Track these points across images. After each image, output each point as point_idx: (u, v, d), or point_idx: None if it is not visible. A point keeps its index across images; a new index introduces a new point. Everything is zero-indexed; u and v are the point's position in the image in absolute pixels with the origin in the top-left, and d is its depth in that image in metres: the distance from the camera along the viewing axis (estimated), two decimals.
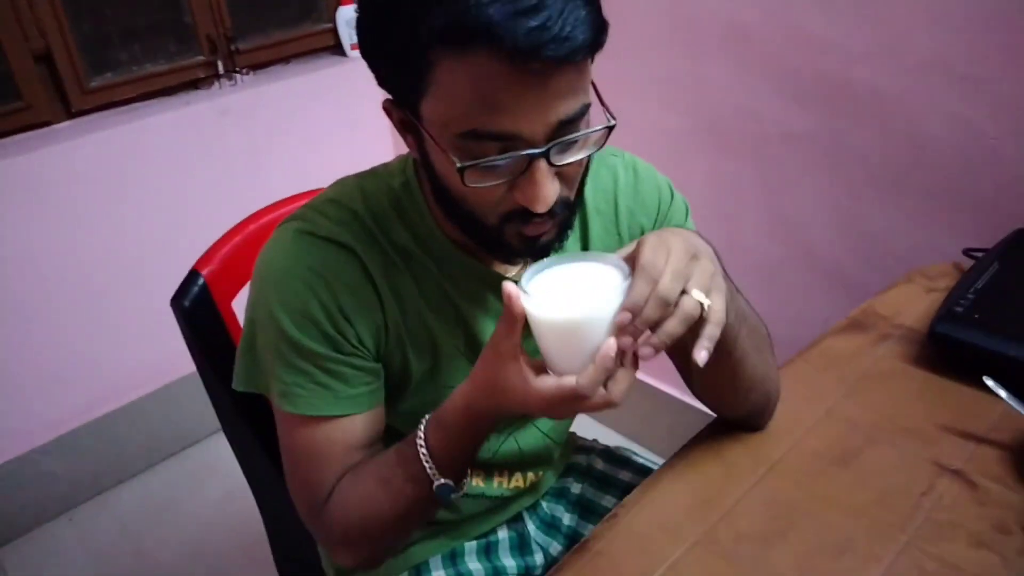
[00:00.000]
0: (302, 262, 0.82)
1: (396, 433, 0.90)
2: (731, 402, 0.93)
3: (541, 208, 0.72)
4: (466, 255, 0.88)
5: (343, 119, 2.37)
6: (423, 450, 0.81)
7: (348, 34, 2.33)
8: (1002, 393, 0.90)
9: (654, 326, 0.69)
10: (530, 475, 1.06)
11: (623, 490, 1.14)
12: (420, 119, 0.72)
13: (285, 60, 2.30)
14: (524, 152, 0.69)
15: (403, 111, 0.75)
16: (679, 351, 0.88)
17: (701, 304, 0.70)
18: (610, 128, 0.73)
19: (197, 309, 1.11)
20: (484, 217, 0.76)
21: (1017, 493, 0.85)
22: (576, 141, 0.72)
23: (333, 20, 2.33)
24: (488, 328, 0.91)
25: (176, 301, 1.10)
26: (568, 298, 0.71)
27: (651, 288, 0.69)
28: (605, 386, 0.71)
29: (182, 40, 2.11)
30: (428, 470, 0.81)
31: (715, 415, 0.99)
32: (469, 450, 0.83)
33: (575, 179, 0.77)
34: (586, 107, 0.71)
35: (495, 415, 0.79)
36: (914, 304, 1.18)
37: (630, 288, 0.69)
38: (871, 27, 1.33)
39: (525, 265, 0.93)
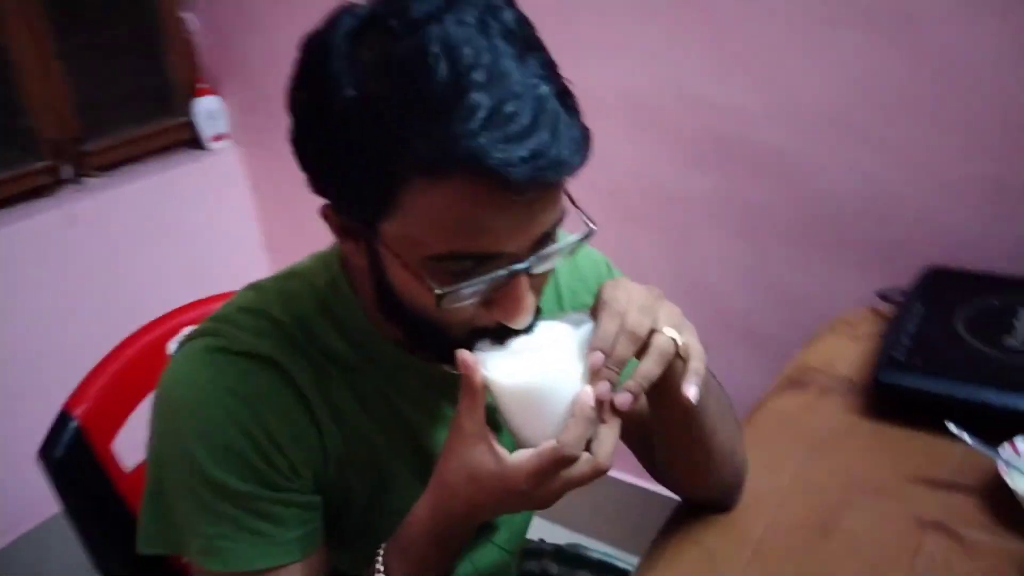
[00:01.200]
0: (218, 385, 0.70)
1: None
2: (702, 481, 0.85)
3: (524, 323, 0.64)
4: (410, 357, 0.77)
5: (207, 217, 2.21)
6: None
7: (207, 125, 2.19)
8: (966, 438, 0.88)
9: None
10: None
11: None
12: (378, 236, 0.63)
13: (139, 159, 2.13)
14: (509, 269, 0.61)
15: (351, 222, 0.66)
16: (635, 430, 0.81)
17: (674, 341, 0.65)
18: (589, 234, 0.67)
19: (71, 459, 0.94)
20: (449, 332, 0.66)
21: (1004, 539, 0.83)
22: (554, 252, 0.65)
23: (187, 112, 2.18)
24: (442, 439, 0.79)
25: (45, 452, 0.93)
26: (533, 355, 0.64)
27: (618, 324, 0.63)
28: (589, 449, 0.63)
29: (21, 146, 1.91)
30: None
31: (679, 498, 0.92)
32: (440, 570, 0.72)
33: (544, 285, 0.70)
34: (564, 214, 0.65)
35: (467, 522, 0.70)
36: (845, 354, 1.17)
37: (596, 327, 0.63)
38: (764, 88, 1.36)
39: None
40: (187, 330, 0.80)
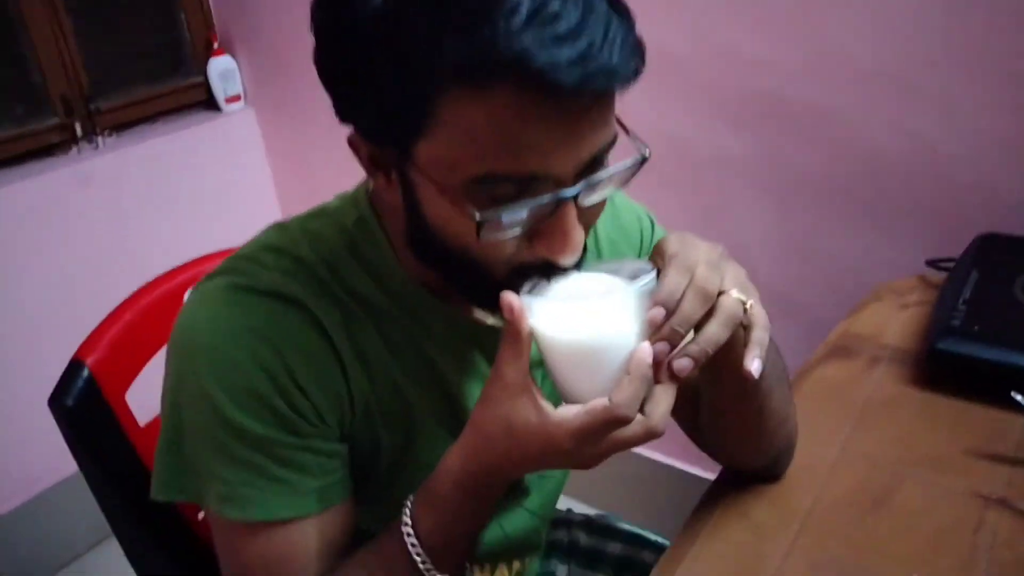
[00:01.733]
0: (240, 324, 0.65)
1: (363, 534, 0.72)
2: (755, 447, 0.80)
3: (571, 259, 0.59)
4: (441, 302, 0.72)
5: (221, 180, 2.16)
6: (411, 540, 0.65)
7: (222, 87, 2.13)
8: None
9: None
10: (516, 564, 0.90)
11: (615, 565, 0.99)
12: (411, 162, 0.57)
13: (152, 119, 2.07)
14: (555, 195, 0.55)
15: (381, 149, 0.60)
16: (682, 391, 0.76)
17: (743, 304, 0.59)
18: (643, 160, 0.61)
19: (83, 408, 0.89)
20: (489, 270, 0.61)
21: None
22: (605, 178, 0.59)
23: (204, 73, 2.13)
24: (473, 391, 0.76)
25: (56, 400, 0.88)
26: (587, 307, 0.57)
27: (687, 280, 0.57)
28: (642, 410, 0.57)
29: (31, 102, 1.86)
30: (420, 564, 0.65)
31: (721, 465, 0.87)
32: (469, 533, 0.68)
33: (595, 222, 0.64)
34: (615, 138, 0.59)
35: (502, 476, 0.65)
36: (892, 322, 1.11)
37: (661, 280, 0.57)
38: (804, 41, 1.29)
39: None
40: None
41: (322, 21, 0.58)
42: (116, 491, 0.90)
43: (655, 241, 0.87)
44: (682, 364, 0.57)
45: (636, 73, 0.54)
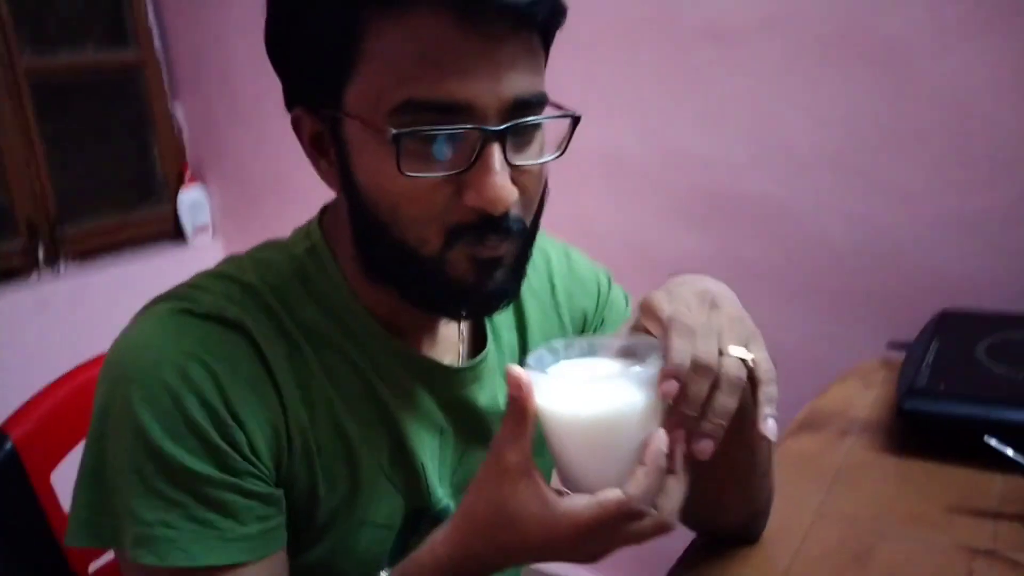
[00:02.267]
0: (174, 347, 0.61)
1: None
2: (741, 500, 0.74)
3: (497, 204, 0.57)
4: (393, 337, 0.69)
5: None
6: None
7: (191, 217, 2.16)
8: (1009, 452, 0.79)
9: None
10: None
11: None
12: (344, 114, 0.58)
13: (118, 247, 2.08)
14: (475, 126, 0.55)
15: (319, 116, 0.61)
16: None
17: (744, 361, 0.55)
18: (575, 120, 0.61)
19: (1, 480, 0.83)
20: (423, 242, 0.59)
21: None
22: (535, 134, 0.60)
23: (173, 203, 2.16)
24: (423, 438, 0.71)
25: None
26: (602, 383, 0.54)
27: (690, 344, 0.53)
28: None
29: None
30: None
31: (697, 533, 0.81)
32: None
33: (533, 197, 0.62)
34: (543, 99, 0.59)
35: (491, 567, 0.59)
36: (858, 399, 1.09)
37: (666, 351, 0.53)
38: (750, 137, 1.35)
39: (471, 346, 0.76)
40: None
41: (269, 8, 0.62)
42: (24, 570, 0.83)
43: (611, 298, 0.86)
44: (704, 447, 0.54)
45: (553, 13, 0.56)
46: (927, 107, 1.21)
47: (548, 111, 0.61)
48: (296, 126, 0.65)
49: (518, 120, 0.57)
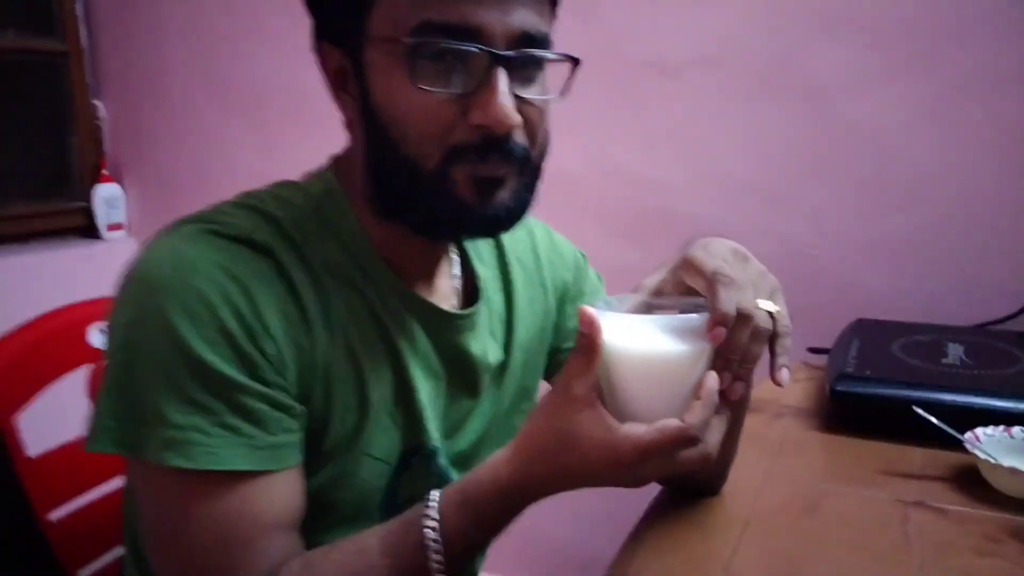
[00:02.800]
0: (211, 260, 0.63)
1: None
2: (726, 449, 0.80)
3: (499, 122, 0.62)
4: (398, 278, 0.73)
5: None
6: (433, 535, 0.62)
7: (105, 213, 2.09)
8: (931, 419, 0.91)
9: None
10: None
11: None
12: (365, 41, 0.64)
13: (28, 237, 1.98)
14: (484, 48, 0.61)
15: (344, 49, 0.67)
16: None
17: (769, 313, 0.62)
18: (575, 61, 0.68)
19: None
20: (426, 157, 0.64)
21: (982, 511, 0.83)
22: (538, 73, 0.67)
23: (88, 198, 2.08)
24: (418, 374, 0.74)
25: None
26: (664, 322, 0.60)
27: (735, 295, 0.60)
28: None
29: None
30: (432, 562, 0.62)
31: (664, 488, 0.87)
32: (488, 542, 0.67)
33: (535, 128, 0.68)
34: (547, 40, 0.66)
35: (550, 490, 0.63)
36: (786, 392, 1.19)
37: (714, 301, 0.59)
38: (686, 161, 1.47)
39: (462, 302, 0.80)
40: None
41: None
42: None
43: (588, 273, 0.93)
44: (737, 388, 0.62)
45: None
46: (846, 140, 1.36)
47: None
48: (321, 63, 0.70)
49: (524, 49, 0.63)
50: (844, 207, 1.38)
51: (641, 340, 0.60)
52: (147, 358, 0.61)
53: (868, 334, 1.20)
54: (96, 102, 2.11)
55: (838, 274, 1.39)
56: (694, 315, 0.60)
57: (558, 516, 1.66)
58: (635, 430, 0.59)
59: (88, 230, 2.11)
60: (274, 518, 0.63)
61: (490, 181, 0.66)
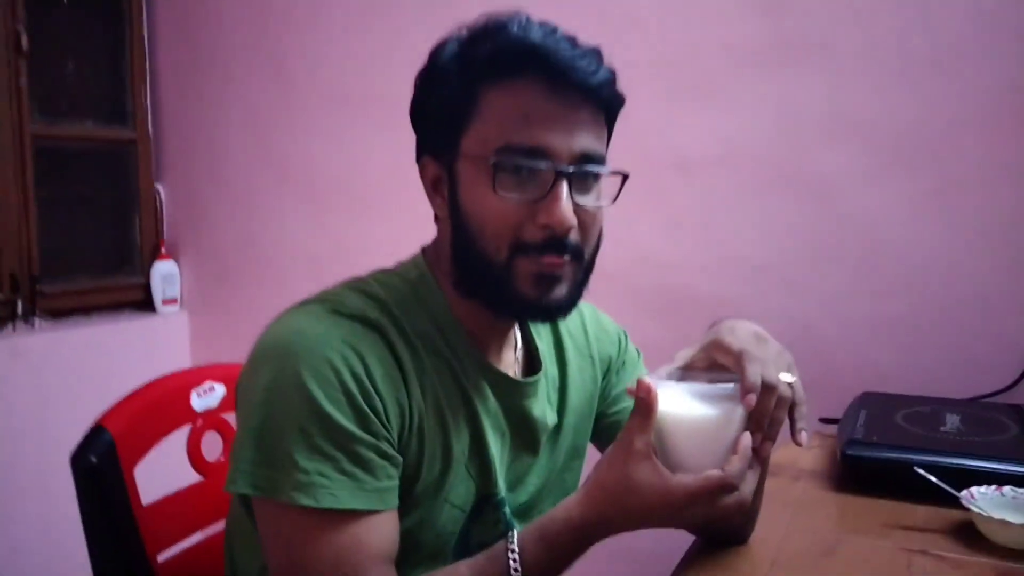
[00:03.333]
0: (334, 334, 0.77)
1: None
2: (754, 503, 0.93)
3: (561, 223, 0.77)
4: (478, 350, 0.87)
5: (142, 376, 2.18)
6: (515, 564, 0.75)
7: (161, 288, 2.25)
8: (932, 478, 1.03)
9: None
10: None
11: None
12: (458, 155, 0.80)
13: (90, 310, 2.14)
14: (552, 164, 0.77)
15: (440, 162, 0.83)
16: None
17: (789, 384, 0.77)
18: (625, 176, 0.84)
19: (100, 469, 0.93)
20: (497, 251, 0.79)
21: (977, 557, 0.94)
22: (594, 185, 0.82)
23: (147, 274, 2.25)
24: (491, 437, 0.87)
25: (78, 457, 0.92)
26: (707, 392, 0.74)
27: (762, 368, 0.75)
28: None
29: None
30: None
31: (697, 537, 0.99)
32: (559, 571, 0.78)
33: (589, 231, 0.82)
34: (603, 158, 0.82)
35: (612, 528, 0.76)
36: (802, 458, 1.31)
37: (744, 375, 0.74)
38: (706, 246, 1.63)
39: (524, 371, 0.93)
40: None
41: (418, 74, 0.85)
42: (113, 548, 0.93)
43: (629, 348, 1.07)
44: (766, 447, 0.76)
45: (614, 95, 0.81)
46: (850, 230, 1.53)
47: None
48: (422, 172, 0.86)
49: (583, 166, 0.79)
50: (849, 290, 1.53)
51: (687, 405, 0.73)
52: (284, 413, 0.74)
53: (874, 405, 1.33)
54: (157, 185, 2.29)
55: (845, 351, 1.53)
56: (728, 384, 0.74)
57: (609, 557, 1.76)
58: (685, 479, 0.72)
59: (145, 304, 2.26)
60: (379, 551, 0.75)
61: (548, 277, 0.80)
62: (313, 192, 2.09)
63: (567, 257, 0.80)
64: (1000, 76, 1.44)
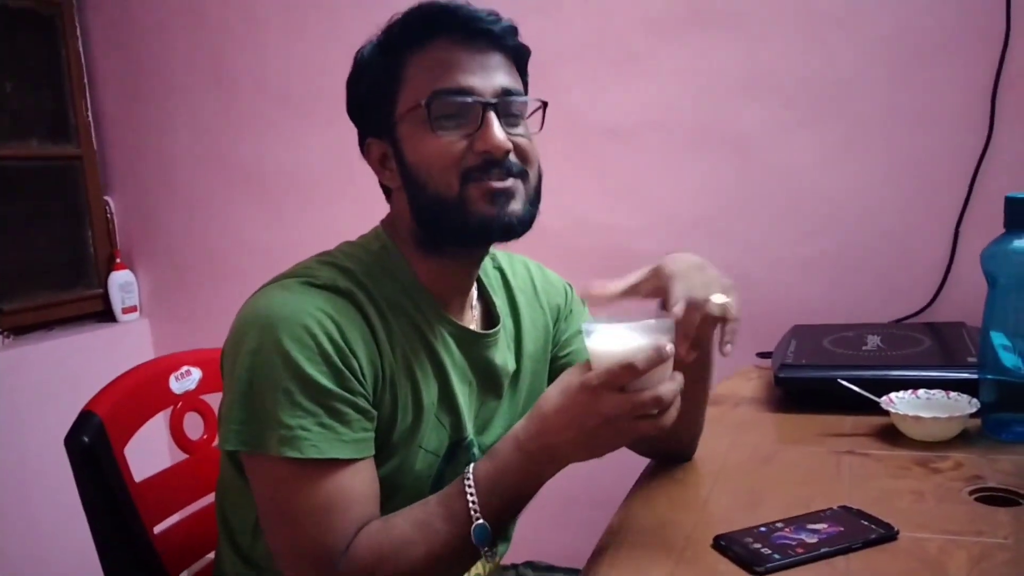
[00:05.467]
0: (310, 303, 0.85)
1: None
2: (694, 423, 1.04)
3: (498, 147, 0.86)
4: (442, 309, 0.95)
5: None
6: (469, 483, 0.81)
7: (120, 298, 2.29)
8: (855, 388, 1.15)
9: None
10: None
11: None
12: (397, 122, 0.89)
13: (49, 325, 2.17)
14: (477, 99, 0.87)
15: (383, 139, 0.92)
16: None
17: (721, 304, 0.85)
18: (544, 104, 0.94)
19: (93, 448, 1.00)
20: (448, 187, 0.87)
21: (899, 451, 1.06)
22: (519, 119, 0.91)
23: (104, 285, 2.28)
24: (459, 387, 0.95)
25: (71, 439, 0.99)
26: (635, 328, 0.78)
27: (688, 288, 0.85)
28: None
29: None
30: (470, 504, 0.80)
31: (648, 458, 1.10)
32: (515, 494, 0.83)
33: (529, 155, 0.91)
34: (522, 92, 0.92)
35: (551, 437, 0.80)
36: (742, 389, 1.43)
37: (670, 292, 0.85)
38: (641, 208, 1.73)
39: (483, 324, 1.02)
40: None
41: (348, 76, 0.94)
42: (115, 528, 0.99)
43: (574, 299, 1.16)
44: (692, 354, 0.84)
45: (517, 44, 0.92)
46: (770, 180, 1.65)
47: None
48: (368, 156, 0.95)
49: (505, 98, 0.89)
50: (776, 235, 1.65)
51: (619, 340, 0.78)
52: (266, 376, 0.82)
53: (804, 335, 1.45)
54: (107, 198, 2.32)
55: (776, 291, 1.65)
56: (653, 320, 0.80)
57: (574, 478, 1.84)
58: (597, 371, 0.77)
59: (105, 315, 2.30)
60: (361, 493, 0.83)
61: (500, 192, 0.87)
62: (263, 190, 2.15)
63: (513, 179, 0.88)
64: (894, 27, 1.57)
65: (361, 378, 0.85)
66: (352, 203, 1.02)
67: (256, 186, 2.15)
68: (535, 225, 1.67)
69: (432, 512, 0.83)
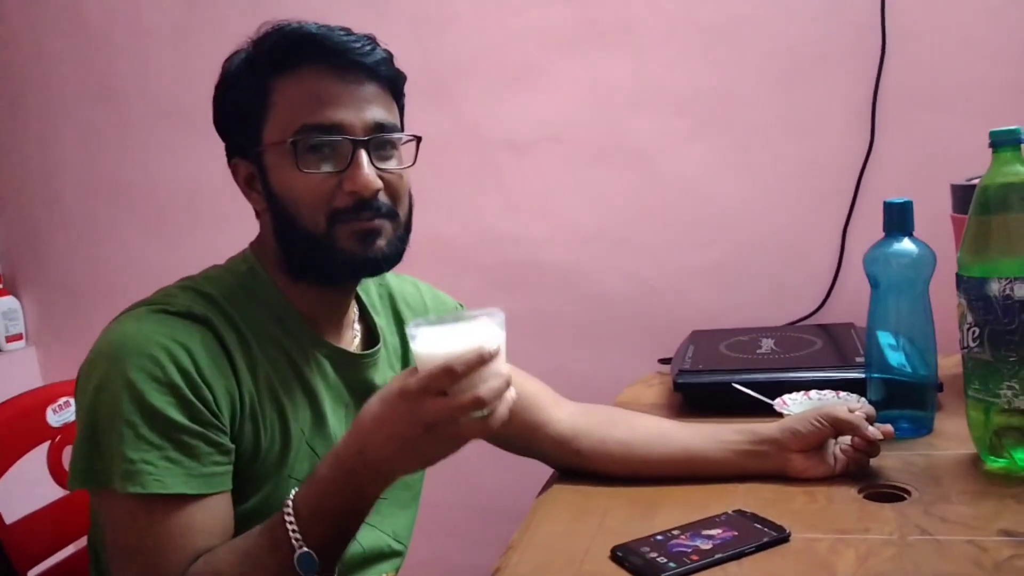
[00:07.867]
0: (159, 332, 0.81)
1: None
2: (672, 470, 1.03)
3: (365, 188, 0.84)
4: (317, 334, 0.92)
5: None
6: (288, 511, 0.75)
7: (3, 327, 2.15)
8: (749, 391, 1.18)
9: None
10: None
11: None
12: (263, 150, 0.86)
13: None
14: (346, 137, 0.84)
15: (249, 159, 0.88)
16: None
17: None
18: (418, 139, 0.92)
19: None
20: (315, 224, 0.85)
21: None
22: (393, 152, 0.89)
23: None
24: (333, 411, 0.93)
25: None
26: (456, 330, 0.74)
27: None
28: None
29: None
30: (291, 533, 0.74)
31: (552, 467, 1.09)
32: (339, 517, 0.77)
33: (399, 192, 0.90)
34: (396, 127, 0.90)
35: (372, 451, 0.74)
36: (644, 396, 1.44)
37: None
38: (545, 219, 1.74)
39: (364, 344, 0.99)
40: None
41: (216, 86, 0.91)
42: None
43: None
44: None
45: (393, 73, 0.89)
46: (666, 189, 1.69)
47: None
48: (236, 174, 0.91)
49: (376, 135, 0.86)
50: (673, 243, 1.69)
51: (443, 344, 0.72)
52: (111, 410, 0.78)
53: (702, 340, 1.48)
54: None
55: (677, 298, 1.69)
56: (483, 318, 0.73)
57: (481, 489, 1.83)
58: (413, 374, 0.71)
59: None
60: (212, 530, 0.79)
61: (367, 232, 0.86)
62: (152, 208, 2.06)
63: (381, 219, 0.87)
64: (779, 42, 1.63)
65: (215, 409, 0.81)
66: (241, 222, 0.98)
67: (146, 204, 2.06)
68: (439, 239, 1.68)
69: (255, 543, 0.77)
